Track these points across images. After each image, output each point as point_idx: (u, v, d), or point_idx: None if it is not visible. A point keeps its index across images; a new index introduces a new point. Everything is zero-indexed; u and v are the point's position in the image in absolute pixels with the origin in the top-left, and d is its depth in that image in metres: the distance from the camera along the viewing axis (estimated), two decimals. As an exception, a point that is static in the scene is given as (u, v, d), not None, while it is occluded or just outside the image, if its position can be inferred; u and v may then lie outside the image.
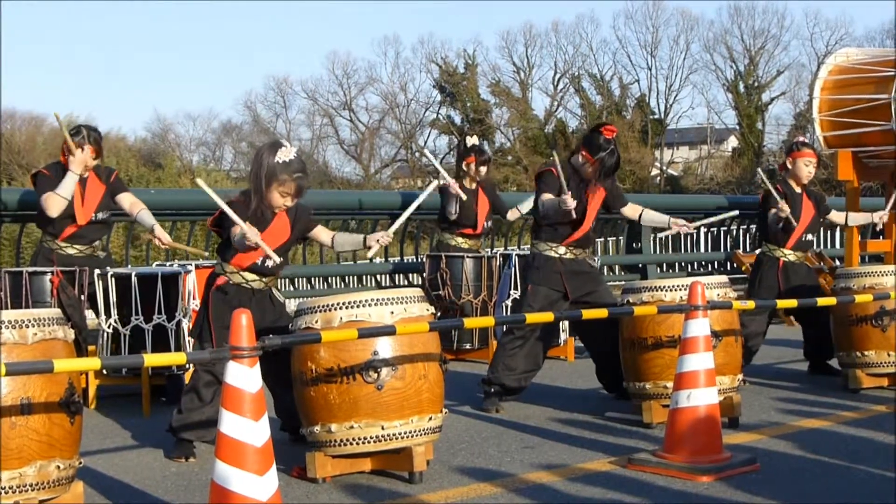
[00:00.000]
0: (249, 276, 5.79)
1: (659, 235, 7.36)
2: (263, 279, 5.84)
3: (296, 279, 13.28)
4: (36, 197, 7.68)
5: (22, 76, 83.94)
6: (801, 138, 8.60)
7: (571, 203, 6.72)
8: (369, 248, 5.82)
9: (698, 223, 7.38)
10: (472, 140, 10.09)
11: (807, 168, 8.18)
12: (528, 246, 7.39)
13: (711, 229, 17.48)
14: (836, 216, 8.54)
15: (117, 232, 18.28)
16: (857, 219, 8.77)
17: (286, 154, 5.61)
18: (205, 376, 5.75)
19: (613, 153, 6.89)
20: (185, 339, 7.27)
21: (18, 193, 9.63)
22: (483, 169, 9.84)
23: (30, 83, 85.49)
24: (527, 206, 10.02)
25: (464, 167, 9.84)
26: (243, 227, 5.42)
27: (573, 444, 6.10)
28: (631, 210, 7.21)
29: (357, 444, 5.18)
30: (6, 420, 4.39)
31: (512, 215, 10.27)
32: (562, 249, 7.03)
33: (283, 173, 5.58)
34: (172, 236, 12.87)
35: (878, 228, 8.64)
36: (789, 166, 8.23)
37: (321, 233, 6.00)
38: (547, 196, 6.94)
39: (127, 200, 7.81)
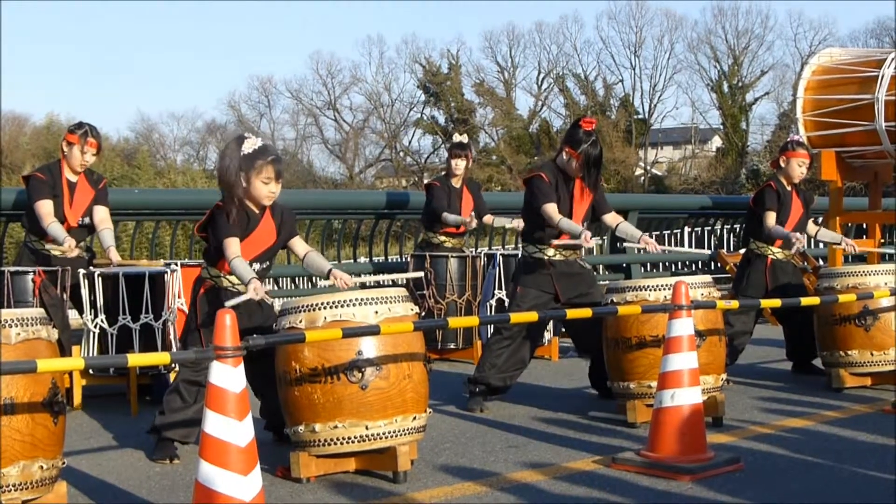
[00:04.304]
0: (235, 279, 5.77)
1: (625, 245, 7.36)
2: (249, 283, 5.81)
3: (280, 279, 13.26)
4: (26, 199, 7.69)
5: (4, 76, 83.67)
6: (795, 137, 8.56)
7: (590, 242, 6.76)
8: (329, 279, 5.82)
9: (665, 248, 7.37)
10: (457, 137, 10.15)
11: (800, 168, 8.19)
12: (512, 246, 7.38)
13: (695, 229, 17.52)
14: (809, 227, 8.52)
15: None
16: (826, 236, 8.73)
17: (253, 143, 5.61)
18: (188, 377, 5.73)
19: (596, 144, 6.90)
20: (172, 338, 7.26)
21: (1, 193, 9.58)
22: (459, 162, 9.80)
23: (12, 83, 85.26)
24: (500, 221, 10.01)
25: (449, 163, 9.90)
26: (249, 289, 5.43)
27: (557, 444, 6.10)
28: (612, 218, 7.17)
29: (341, 443, 5.18)
30: (-11, 420, 4.38)
31: (487, 219, 10.18)
32: (551, 251, 7.03)
33: (256, 160, 5.56)
34: (157, 236, 12.91)
35: (846, 249, 8.69)
36: (782, 164, 8.24)
37: (298, 244, 5.96)
38: (552, 207, 6.87)
39: (99, 214, 7.76)
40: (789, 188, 8.24)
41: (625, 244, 7.44)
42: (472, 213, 9.78)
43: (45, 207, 7.50)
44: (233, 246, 5.55)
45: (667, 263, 15.53)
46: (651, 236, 7.65)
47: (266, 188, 5.63)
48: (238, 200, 5.60)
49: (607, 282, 8.78)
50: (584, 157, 6.87)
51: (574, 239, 6.78)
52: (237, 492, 3.93)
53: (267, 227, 5.77)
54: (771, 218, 8.06)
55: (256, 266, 5.69)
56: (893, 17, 57.34)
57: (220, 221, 5.60)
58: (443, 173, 10.00)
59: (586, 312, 6.06)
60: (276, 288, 12.79)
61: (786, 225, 8.11)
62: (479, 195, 10.08)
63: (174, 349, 7.21)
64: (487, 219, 10.01)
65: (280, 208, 5.83)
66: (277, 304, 5.85)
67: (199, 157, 62.60)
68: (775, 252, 8.19)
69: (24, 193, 7.86)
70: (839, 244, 8.69)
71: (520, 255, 7.30)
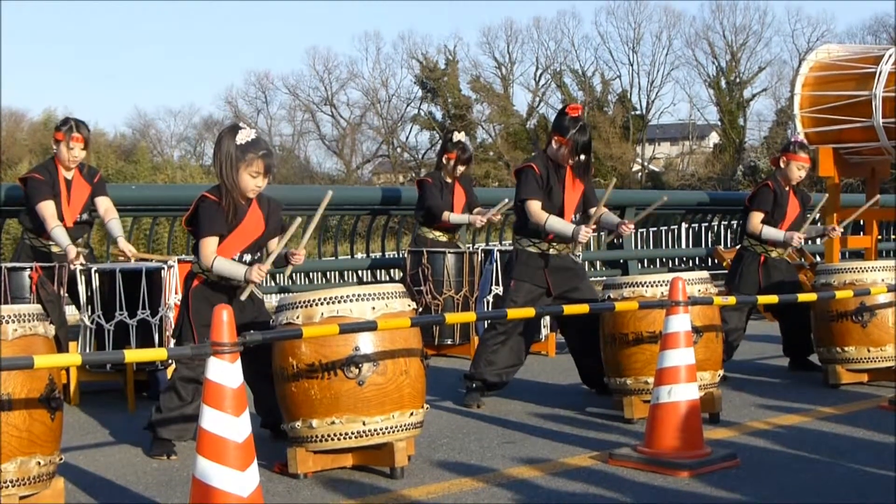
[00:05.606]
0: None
1: (603, 233, 7.40)
2: (240, 276, 5.79)
3: (276, 275, 13.26)
4: (26, 201, 7.68)
5: (2, 72, 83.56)
6: (798, 139, 8.53)
7: (585, 238, 6.78)
8: (289, 264, 5.79)
9: (635, 219, 7.38)
10: (458, 136, 10.06)
11: (799, 172, 8.19)
12: (510, 242, 7.36)
13: (692, 225, 17.52)
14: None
15: (96, 229, 18.20)
16: (810, 231, 8.71)
17: (246, 135, 5.58)
18: (185, 374, 5.72)
19: (584, 130, 6.89)
20: (170, 334, 7.26)
21: (-1, 189, 9.56)
22: (462, 168, 9.80)
23: (9, 79, 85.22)
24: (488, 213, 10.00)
25: (444, 160, 9.84)
26: (247, 275, 5.47)
27: (554, 440, 6.11)
28: (595, 212, 7.18)
29: (338, 439, 5.18)
30: (-14, 416, 4.37)
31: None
32: (544, 245, 7.02)
33: (248, 153, 5.55)
34: (153, 233, 12.91)
35: (831, 235, 8.84)
36: (782, 165, 8.22)
37: (274, 241, 5.91)
38: (536, 205, 6.86)
39: (103, 205, 7.84)
40: (787, 188, 8.23)
41: (602, 234, 7.47)
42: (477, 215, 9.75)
43: (48, 209, 7.48)
44: (209, 246, 5.54)
45: (663, 259, 15.54)
46: (648, 233, 7.66)
47: (253, 182, 5.61)
48: (231, 186, 5.59)
49: (604, 278, 8.79)
50: (572, 144, 6.86)
51: (567, 240, 6.76)
52: (234, 487, 3.93)
53: (254, 218, 5.74)
54: (756, 217, 8.07)
55: (248, 257, 5.69)
56: (891, 14, 57.41)
57: (203, 216, 5.59)
58: (438, 169, 9.93)
59: (584, 308, 6.06)
60: (273, 284, 12.79)
61: (782, 224, 8.13)
62: (471, 190, 10.05)
63: (171, 345, 7.20)
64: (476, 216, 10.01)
65: (267, 199, 5.82)
66: (274, 300, 5.83)
67: (196, 153, 62.64)
68: (769, 250, 8.19)
69: (18, 189, 7.84)
70: (824, 235, 8.76)
71: (513, 248, 7.29)
